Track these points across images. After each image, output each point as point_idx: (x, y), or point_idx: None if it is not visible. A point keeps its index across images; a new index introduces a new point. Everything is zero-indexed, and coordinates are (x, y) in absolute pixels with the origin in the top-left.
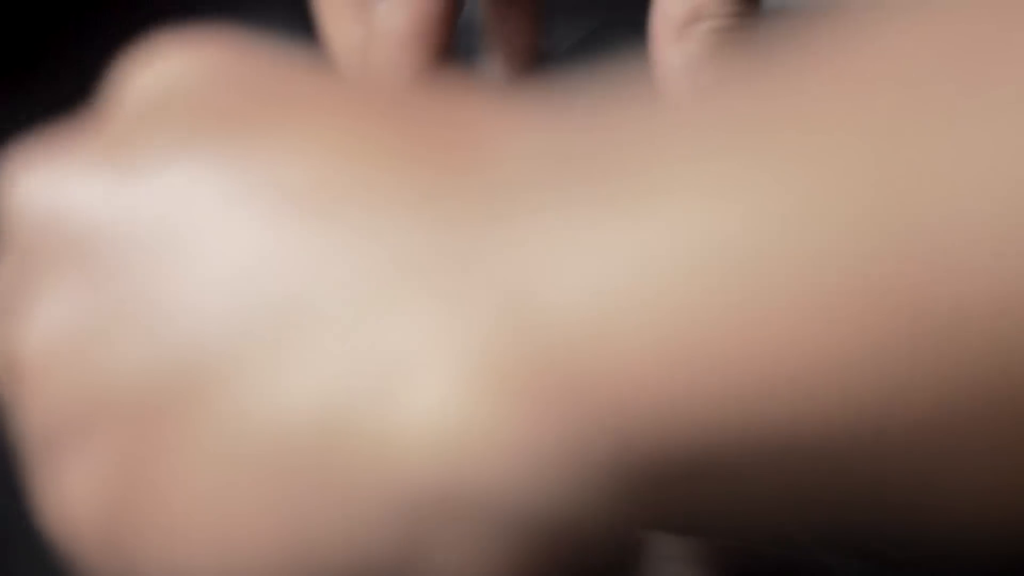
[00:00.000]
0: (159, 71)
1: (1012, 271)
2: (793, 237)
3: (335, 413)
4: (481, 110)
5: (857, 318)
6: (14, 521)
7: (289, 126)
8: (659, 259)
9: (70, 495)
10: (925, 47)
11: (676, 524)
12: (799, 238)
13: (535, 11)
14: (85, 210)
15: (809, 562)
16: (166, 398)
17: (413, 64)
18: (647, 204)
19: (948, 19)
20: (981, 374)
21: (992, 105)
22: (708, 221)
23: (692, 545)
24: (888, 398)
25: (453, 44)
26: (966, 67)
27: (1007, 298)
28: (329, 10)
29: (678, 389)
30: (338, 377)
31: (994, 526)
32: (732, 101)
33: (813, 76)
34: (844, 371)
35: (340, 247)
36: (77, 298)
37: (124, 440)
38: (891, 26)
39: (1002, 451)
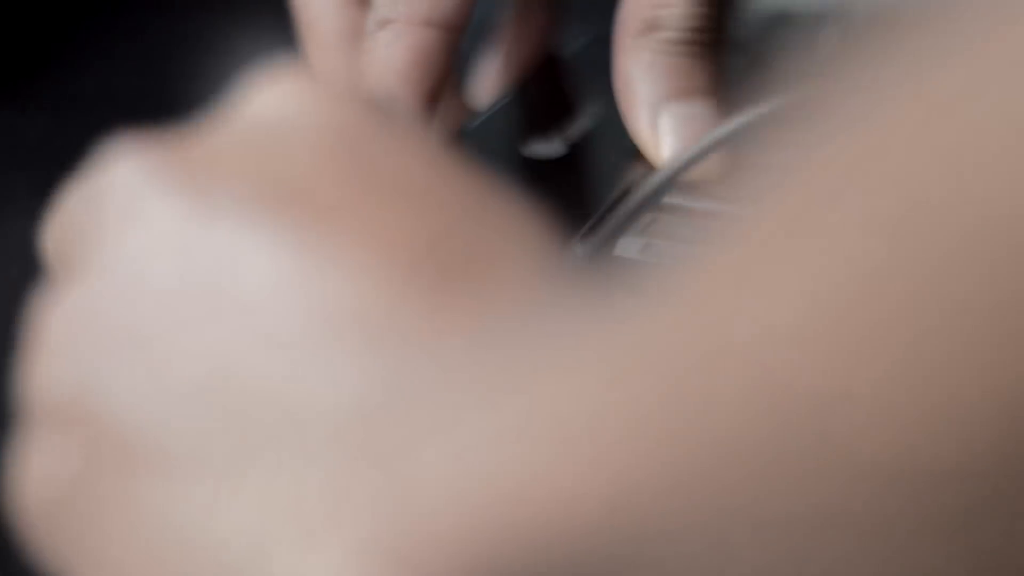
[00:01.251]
0: (271, 103)
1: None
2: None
3: (242, 557)
4: (498, 278)
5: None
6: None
7: (340, 235)
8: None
9: (30, 472)
10: None
11: None
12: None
13: (556, 14)
14: (148, 218)
15: None
16: (129, 442)
17: (412, 95)
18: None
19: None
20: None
21: None
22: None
23: None
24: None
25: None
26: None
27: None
28: (319, 47)
29: (503, 543)
30: (255, 529)
31: None
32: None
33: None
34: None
35: (302, 391)
36: (104, 296)
37: (88, 451)
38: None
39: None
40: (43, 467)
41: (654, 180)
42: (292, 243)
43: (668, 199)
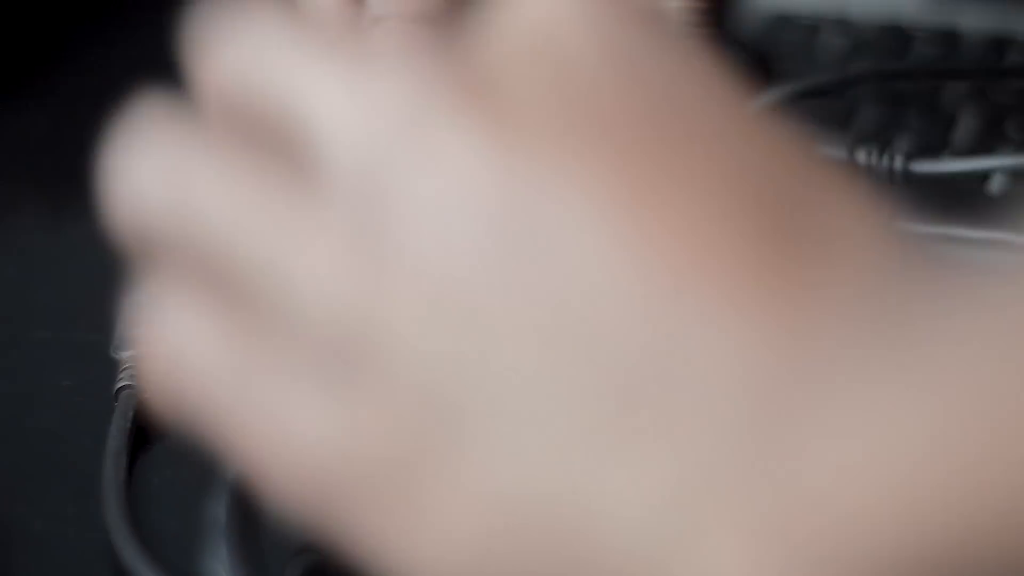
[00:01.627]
0: (531, 16)
1: None
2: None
3: (625, 542)
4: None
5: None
6: (16, 524)
7: (657, 187)
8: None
9: (300, 420)
10: None
11: None
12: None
13: None
14: (446, 152)
15: None
16: (455, 398)
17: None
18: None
19: None
20: None
21: None
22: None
23: None
24: None
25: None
26: None
27: None
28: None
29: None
30: (633, 507)
31: None
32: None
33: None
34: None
35: (667, 356)
36: (407, 231)
37: (398, 405)
38: None
39: None
40: (321, 421)
41: None
42: (607, 192)
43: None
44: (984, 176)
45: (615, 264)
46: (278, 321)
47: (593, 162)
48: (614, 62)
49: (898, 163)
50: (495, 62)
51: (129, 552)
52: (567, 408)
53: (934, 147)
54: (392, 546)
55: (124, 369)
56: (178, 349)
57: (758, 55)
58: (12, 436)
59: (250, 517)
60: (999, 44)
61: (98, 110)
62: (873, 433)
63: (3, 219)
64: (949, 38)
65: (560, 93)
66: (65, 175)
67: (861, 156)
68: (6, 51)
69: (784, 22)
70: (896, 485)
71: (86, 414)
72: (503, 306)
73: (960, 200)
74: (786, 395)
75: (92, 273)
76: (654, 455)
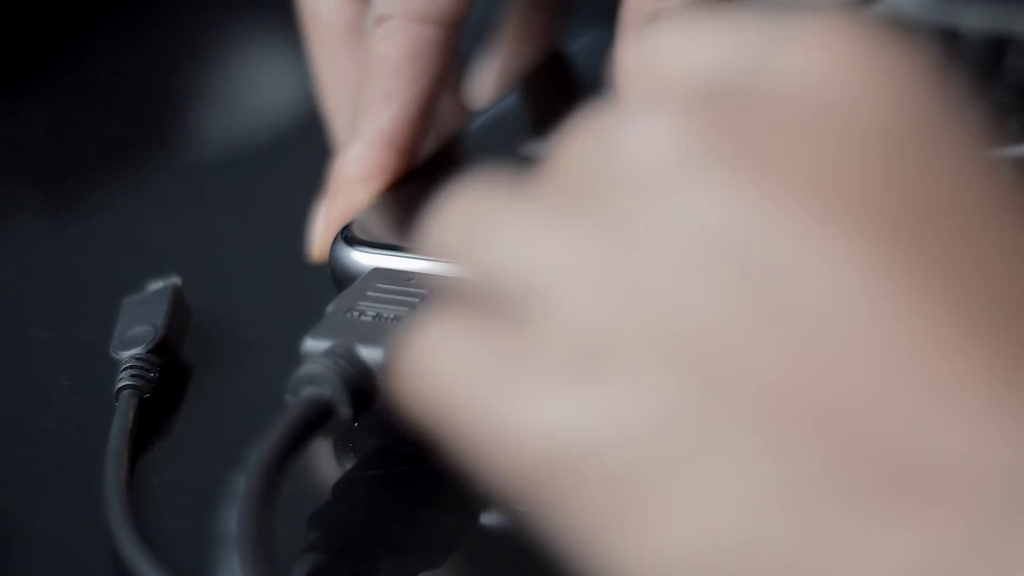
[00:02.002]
0: (824, 67)
1: None
2: None
3: None
4: None
5: None
6: (16, 524)
7: (917, 266)
8: None
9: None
10: None
11: None
12: None
13: (559, 14)
14: (697, 192)
15: None
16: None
17: (408, 91)
18: None
19: None
20: None
21: None
22: None
23: None
24: None
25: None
26: None
27: None
28: (320, 43)
29: None
30: None
31: None
32: None
33: None
34: None
35: (922, 445)
36: (643, 259)
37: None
38: None
39: None
40: (558, 411)
41: None
42: (869, 266)
43: None
44: None
45: (868, 342)
46: (536, 334)
47: (857, 227)
48: (894, 130)
49: None
50: (760, 115)
51: (131, 552)
52: (800, 467)
53: None
54: (603, 543)
55: (124, 369)
56: (441, 356)
57: None
58: (12, 436)
59: (262, 528)
60: (999, 44)
61: (98, 110)
62: None
63: (3, 219)
64: (949, 38)
65: (818, 155)
66: (65, 175)
67: None
68: (6, 51)
69: None
70: None
71: (86, 414)
72: (744, 354)
73: None
74: None
75: (92, 273)
76: (902, 535)
